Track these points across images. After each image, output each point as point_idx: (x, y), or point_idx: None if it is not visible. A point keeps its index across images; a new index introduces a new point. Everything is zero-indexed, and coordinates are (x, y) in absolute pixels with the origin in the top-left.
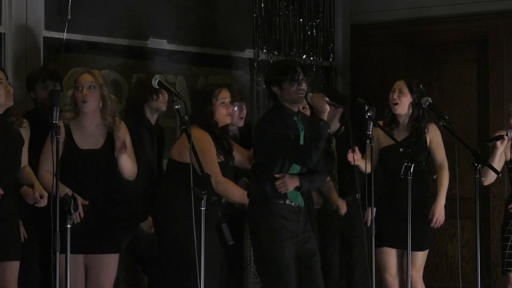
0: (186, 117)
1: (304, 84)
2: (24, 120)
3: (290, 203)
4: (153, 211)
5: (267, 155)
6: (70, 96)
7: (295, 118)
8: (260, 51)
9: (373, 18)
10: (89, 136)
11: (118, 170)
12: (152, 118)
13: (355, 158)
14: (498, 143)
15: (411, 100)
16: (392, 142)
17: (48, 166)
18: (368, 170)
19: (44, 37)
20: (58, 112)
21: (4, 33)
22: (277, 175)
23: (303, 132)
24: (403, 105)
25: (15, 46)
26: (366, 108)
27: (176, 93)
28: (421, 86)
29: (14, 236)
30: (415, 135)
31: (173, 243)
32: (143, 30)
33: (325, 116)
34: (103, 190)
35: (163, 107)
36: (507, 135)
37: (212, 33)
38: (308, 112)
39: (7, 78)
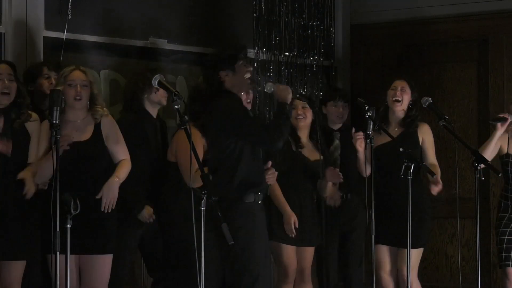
0: (186, 117)
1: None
2: (33, 115)
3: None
4: (157, 212)
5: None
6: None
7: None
8: (260, 51)
9: (373, 18)
10: (76, 130)
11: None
12: (153, 111)
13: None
14: (499, 124)
15: (411, 99)
16: (384, 141)
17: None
18: (368, 172)
19: (44, 37)
20: (58, 112)
21: (4, 33)
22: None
23: None
24: (404, 103)
25: (15, 46)
26: (366, 108)
27: (176, 93)
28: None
29: (22, 235)
30: (408, 133)
31: (177, 244)
32: (143, 30)
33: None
34: (93, 185)
35: (164, 101)
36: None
37: (212, 33)
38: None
39: (12, 74)
